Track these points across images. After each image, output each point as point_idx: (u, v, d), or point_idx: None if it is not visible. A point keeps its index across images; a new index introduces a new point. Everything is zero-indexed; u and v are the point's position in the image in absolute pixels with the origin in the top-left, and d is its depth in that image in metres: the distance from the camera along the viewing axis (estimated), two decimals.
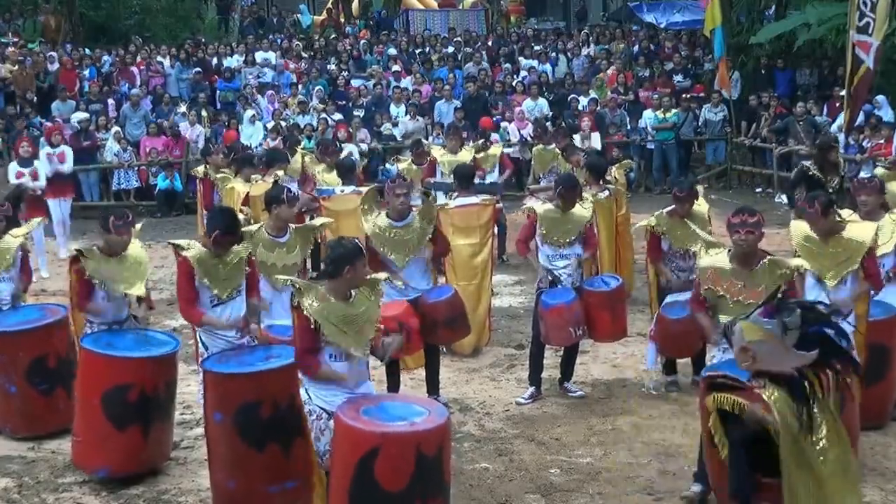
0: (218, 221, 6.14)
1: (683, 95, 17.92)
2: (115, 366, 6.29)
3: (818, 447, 4.07)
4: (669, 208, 7.68)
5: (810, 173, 9.26)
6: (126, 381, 6.21)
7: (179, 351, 6.64)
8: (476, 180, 10.98)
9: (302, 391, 5.19)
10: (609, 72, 19.28)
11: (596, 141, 15.14)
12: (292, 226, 6.97)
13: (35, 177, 12.28)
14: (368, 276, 5.32)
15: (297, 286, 5.15)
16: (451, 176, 10.15)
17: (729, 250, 5.88)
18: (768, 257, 5.65)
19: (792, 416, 4.01)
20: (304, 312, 5.04)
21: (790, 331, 4.11)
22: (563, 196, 7.63)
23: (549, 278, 7.57)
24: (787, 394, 4.03)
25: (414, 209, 7.41)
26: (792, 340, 4.10)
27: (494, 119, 17.13)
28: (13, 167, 12.56)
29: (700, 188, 8.22)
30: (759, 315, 4.30)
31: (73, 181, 13.82)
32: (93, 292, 6.57)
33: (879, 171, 9.62)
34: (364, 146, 16.47)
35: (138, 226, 7.05)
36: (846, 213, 6.85)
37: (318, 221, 7.57)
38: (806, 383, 4.05)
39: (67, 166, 13.32)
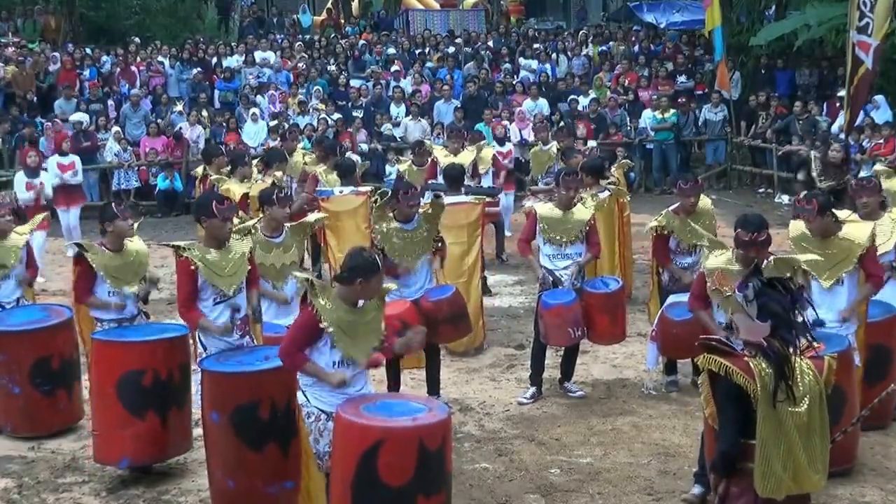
0: (207, 199, 6.28)
1: (679, 99, 17.88)
2: (127, 351, 6.28)
3: (795, 420, 4.19)
4: (675, 206, 7.64)
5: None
6: (139, 366, 6.18)
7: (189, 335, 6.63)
8: (472, 183, 11.02)
9: (299, 394, 5.16)
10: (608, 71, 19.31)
11: (592, 146, 15.00)
12: (287, 225, 7.00)
13: (42, 189, 12.00)
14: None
15: (314, 285, 5.12)
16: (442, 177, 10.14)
17: (733, 250, 5.88)
18: (772, 257, 5.66)
19: (771, 384, 4.16)
20: (314, 311, 5.02)
21: (750, 302, 4.27)
22: (564, 183, 7.60)
23: (551, 279, 7.57)
24: (767, 363, 4.19)
25: (420, 210, 7.41)
26: (753, 311, 4.26)
27: (493, 118, 16.99)
28: (21, 178, 12.16)
29: None
30: (736, 288, 4.47)
31: (81, 190, 13.66)
32: (95, 286, 6.60)
33: (878, 167, 9.62)
34: (364, 146, 16.44)
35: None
36: (844, 213, 6.84)
37: (311, 217, 7.57)
38: (774, 353, 4.20)
39: (78, 178, 13.25)
